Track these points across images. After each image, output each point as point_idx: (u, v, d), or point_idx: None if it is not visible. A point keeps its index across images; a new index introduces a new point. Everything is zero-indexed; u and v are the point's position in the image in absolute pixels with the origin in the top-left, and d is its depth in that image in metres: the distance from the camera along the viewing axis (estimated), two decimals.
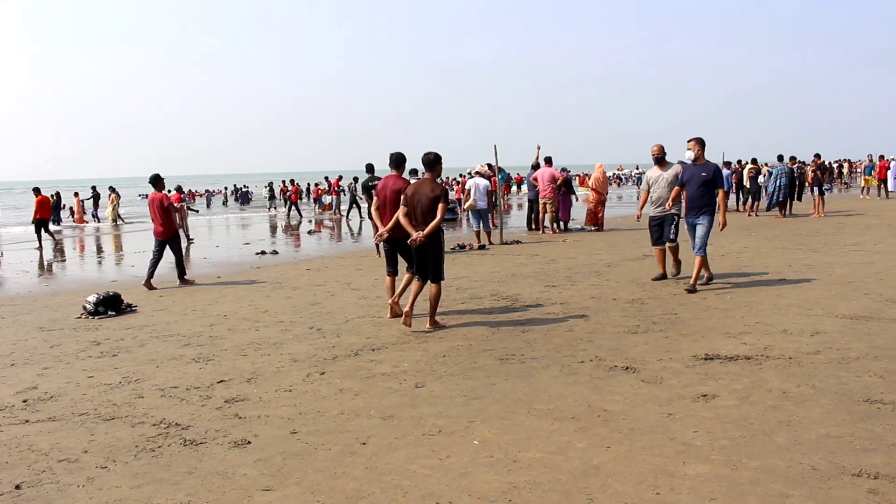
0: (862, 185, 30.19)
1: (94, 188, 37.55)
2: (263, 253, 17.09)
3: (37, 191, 23.71)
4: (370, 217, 15.46)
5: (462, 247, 15.93)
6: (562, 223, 19.40)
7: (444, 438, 4.61)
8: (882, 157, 29.79)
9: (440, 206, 7.47)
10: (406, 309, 7.66)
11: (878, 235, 15.23)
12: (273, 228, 27.28)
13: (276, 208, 40.17)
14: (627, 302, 8.82)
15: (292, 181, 35.54)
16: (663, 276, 10.23)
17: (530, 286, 10.35)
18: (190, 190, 40.39)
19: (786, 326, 7.17)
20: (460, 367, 6.23)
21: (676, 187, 9.57)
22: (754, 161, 24.05)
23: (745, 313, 7.87)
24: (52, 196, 26.42)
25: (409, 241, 7.56)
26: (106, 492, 4.01)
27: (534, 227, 19.68)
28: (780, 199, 21.29)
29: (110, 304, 9.55)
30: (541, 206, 18.96)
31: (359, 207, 28.14)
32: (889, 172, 28.12)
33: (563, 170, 19.76)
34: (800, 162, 23.69)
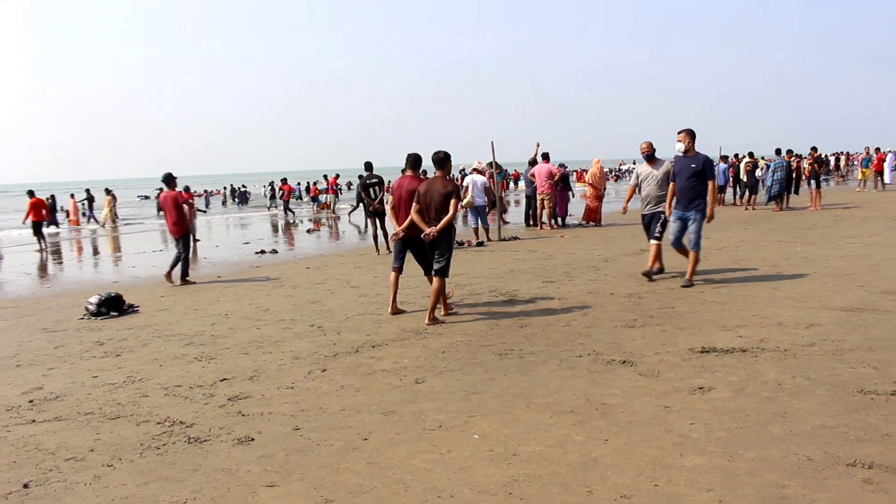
0: (859, 177, 30.27)
1: (87, 191, 37.36)
2: (263, 252, 17.13)
3: (31, 193, 23.81)
4: (368, 214, 15.55)
5: (460, 243, 15.98)
6: (559, 219, 19.45)
7: (445, 433, 4.67)
8: (878, 149, 29.87)
9: (452, 201, 7.71)
10: (427, 319, 7.89)
11: (874, 228, 15.30)
12: (274, 227, 27.28)
13: (276, 207, 40.19)
14: (625, 296, 8.88)
15: (284, 180, 35.50)
16: (661, 271, 10.15)
17: (528, 282, 10.41)
18: (187, 189, 40.19)
19: (781, 319, 7.24)
20: (460, 363, 6.30)
21: (672, 183, 9.44)
22: (751, 155, 24.11)
23: (741, 306, 7.94)
24: (47, 199, 26.43)
25: (422, 236, 7.85)
26: (112, 490, 4.07)
27: (531, 223, 19.74)
28: (778, 193, 21.38)
29: (112, 305, 9.61)
30: (538, 203, 19.02)
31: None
32: (885, 164, 28.20)
33: (561, 166, 19.82)
34: (796, 155, 23.77)
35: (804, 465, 3.89)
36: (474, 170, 18.29)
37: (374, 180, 15.40)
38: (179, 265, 12.36)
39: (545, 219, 19.01)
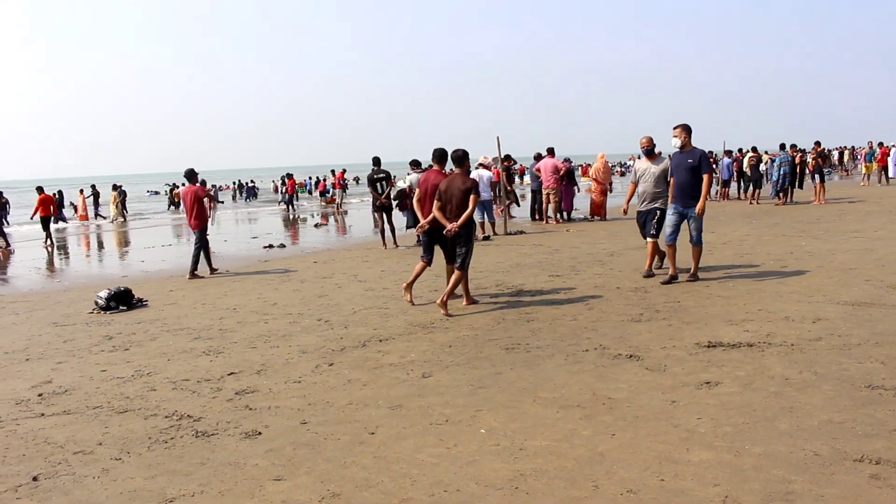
0: (863, 171, 30.15)
1: (93, 186, 37.32)
2: (271, 247, 17.19)
3: (40, 189, 24.00)
4: (374, 211, 15.58)
5: None
6: (565, 213, 19.44)
7: (452, 427, 4.68)
8: (882, 143, 29.75)
9: (472, 197, 8.01)
10: (439, 301, 8.18)
11: (878, 222, 15.24)
12: (282, 222, 27.30)
13: (297, 200, 40.19)
14: (631, 290, 8.87)
15: (289, 175, 35.48)
16: (661, 266, 10.04)
17: (534, 276, 10.41)
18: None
19: (788, 313, 7.22)
20: (466, 357, 6.31)
21: (671, 179, 9.28)
22: (754, 149, 24.03)
23: (747, 301, 7.93)
24: (54, 195, 26.54)
25: (444, 232, 8.16)
26: (121, 483, 4.10)
27: (537, 217, 19.74)
28: (783, 187, 21.35)
29: (121, 299, 9.66)
30: (544, 197, 19.02)
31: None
32: (889, 159, 28.08)
33: (566, 160, 19.78)
34: (799, 150, 23.70)
35: (811, 460, 3.89)
36: (480, 164, 18.28)
37: (382, 175, 15.42)
38: (202, 257, 12.59)
39: (551, 213, 19.00)
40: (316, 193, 42.70)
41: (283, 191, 34.85)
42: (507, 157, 21.51)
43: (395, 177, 16.32)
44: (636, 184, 9.86)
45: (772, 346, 6.09)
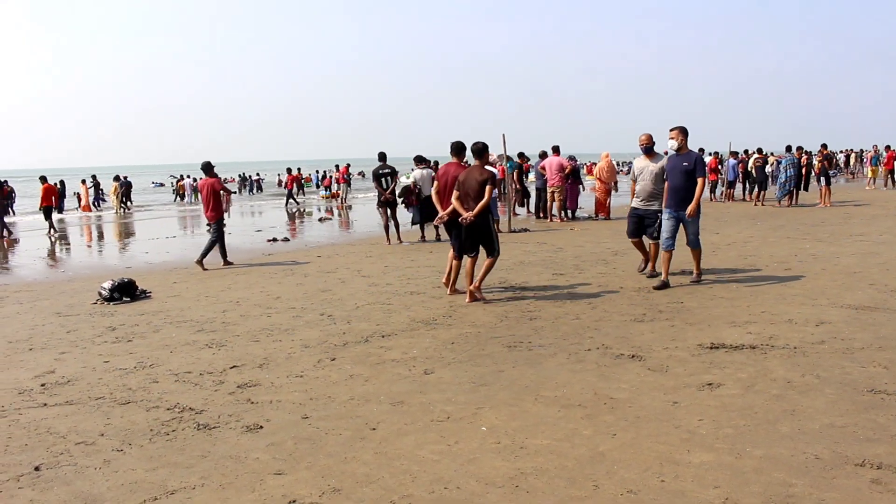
0: (868, 175, 30.07)
1: (93, 177, 37.23)
2: (275, 240, 17.19)
3: (43, 179, 24.03)
4: (379, 205, 15.58)
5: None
6: (569, 212, 19.43)
7: (453, 424, 4.69)
8: (889, 147, 29.68)
9: (488, 188, 8.34)
10: (473, 286, 8.62)
11: (884, 226, 15.21)
12: (289, 216, 27.30)
13: (303, 195, 40.21)
14: (634, 290, 8.87)
15: (288, 170, 35.42)
16: (647, 264, 9.87)
17: (538, 274, 10.41)
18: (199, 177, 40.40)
19: (791, 316, 7.22)
20: (469, 354, 6.31)
21: (667, 183, 9.11)
22: (759, 151, 24.01)
23: (750, 302, 7.92)
24: (56, 185, 26.58)
25: (460, 220, 8.46)
26: (122, 474, 4.11)
27: (541, 215, 19.73)
28: (789, 190, 21.34)
29: (125, 291, 9.68)
30: (549, 195, 19.01)
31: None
32: None
33: (571, 158, 19.77)
34: (806, 152, 23.67)
35: (812, 463, 3.89)
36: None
37: (387, 171, 15.42)
38: (217, 248, 12.75)
39: (555, 211, 18.99)
40: (322, 189, 42.73)
41: (284, 185, 34.63)
42: (521, 155, 21.49)
43: (399, 173, 16.31)
44: (635, 182, 9.73)
45: (774, 349, 6.08)
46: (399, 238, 15.44)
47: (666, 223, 9.11)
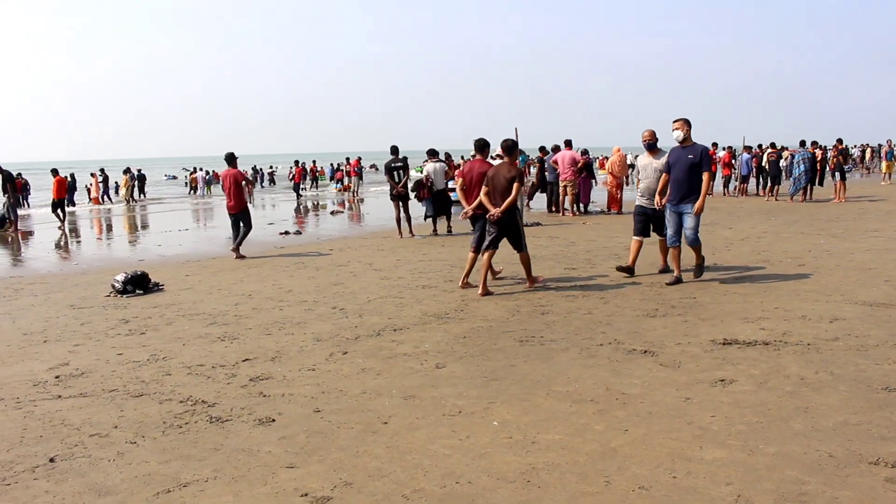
0: (883, 170, 29.84)
1: (102, 170, 36.99)
2: (287, 233, 17.25)
3: (55, 171, 24.05)
4: (392, 197, 15.59)
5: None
6: (582, 206, 19.38)
7: (465, 419, 4.69)
8: None
9: (515, 185, 8.53)
10: (528, 285, 8.97)
11: None
12: (303, 209, 27.35)
13: (316, 188, 40.32)
14: (646, 285, 8.84)
15: (296, 162, 35.42)
16: (629, 269, 9.49)
17: (550, 268, 10.39)
18: (214, 171, 40.65)
19: (804, 312, 7.17)
20: (480, 349, 6.31)
21: (664, 175, 8.86)
22: (773, 145, 23.86)
23: (763, 298, 7.87)
24: (66, 177, 26.68)
25: (488, 216, 8.67)
26: (135, 466, 4.14)
27: (554, 209, 19.69)
28: (803, 185, 21.22)
29: (138, 283, 9.73)
30: (561, 189, 18.96)
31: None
32: None
33: (584, 153, 19.71)
34: (820, 147, 23.52)
35: (825, 461, 3.86)
36: (497, 155, 18.24)
37: (399, 164, 15.42)
38: (240, 235, 13.06)
39: (567, 205, 18.95)
40: (334, 182, 42.78)
41: (290, 177, 34.69)
42: (542, 149, 21.38)
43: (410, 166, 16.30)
44: (640, 179, 9.60)
45: (788, 345, 6.05)
46: (411, 231, 15.45)
47: (670, 218, 8.84)
